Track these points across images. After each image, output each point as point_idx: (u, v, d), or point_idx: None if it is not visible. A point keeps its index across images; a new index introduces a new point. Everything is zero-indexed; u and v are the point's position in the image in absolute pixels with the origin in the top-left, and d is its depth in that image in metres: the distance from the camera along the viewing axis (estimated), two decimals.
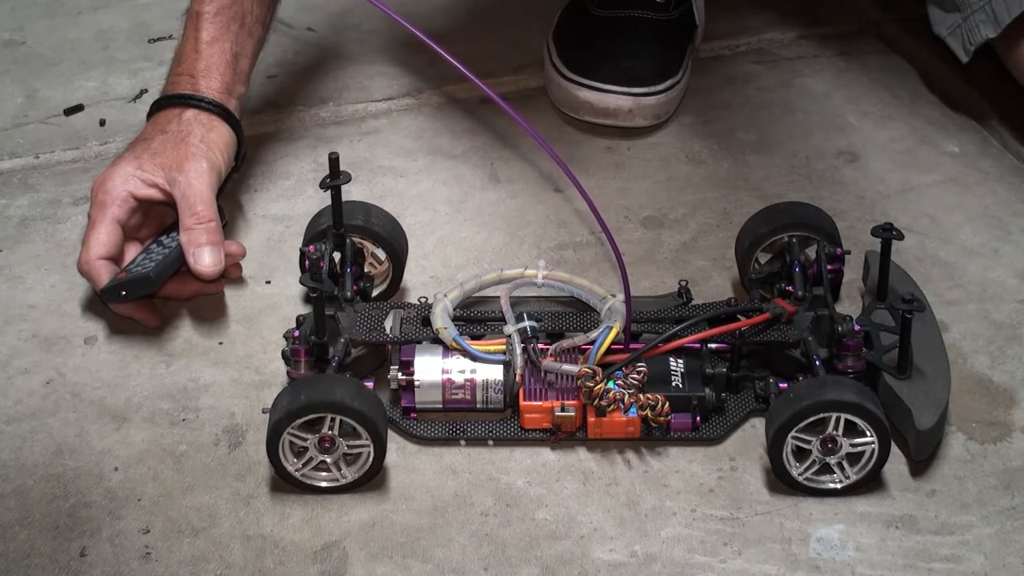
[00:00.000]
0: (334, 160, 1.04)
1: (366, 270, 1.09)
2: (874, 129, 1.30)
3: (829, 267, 1.05)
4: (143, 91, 1.35)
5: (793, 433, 0.94)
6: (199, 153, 1.09)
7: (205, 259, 1.06)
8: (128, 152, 1.11)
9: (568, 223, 1.19)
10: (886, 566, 0.92)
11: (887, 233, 1.01)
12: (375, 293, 1.09)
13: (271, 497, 0.96)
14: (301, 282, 1.01)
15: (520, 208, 1.21)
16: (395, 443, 1.00)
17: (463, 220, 1.20)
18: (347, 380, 0.96)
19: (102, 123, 1.31)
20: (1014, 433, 1.01)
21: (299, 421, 0.93)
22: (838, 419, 0.94)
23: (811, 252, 1.07)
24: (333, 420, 0.94)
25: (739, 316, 1.03)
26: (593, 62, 1.27)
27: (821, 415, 0.93)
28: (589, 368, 0.97)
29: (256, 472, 0.98)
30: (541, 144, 0.94)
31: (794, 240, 1.07)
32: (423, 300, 1.05)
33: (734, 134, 1.29)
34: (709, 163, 1.26)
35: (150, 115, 1.14)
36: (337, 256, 1.07)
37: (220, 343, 1.08)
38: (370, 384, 0.98)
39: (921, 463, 0.98)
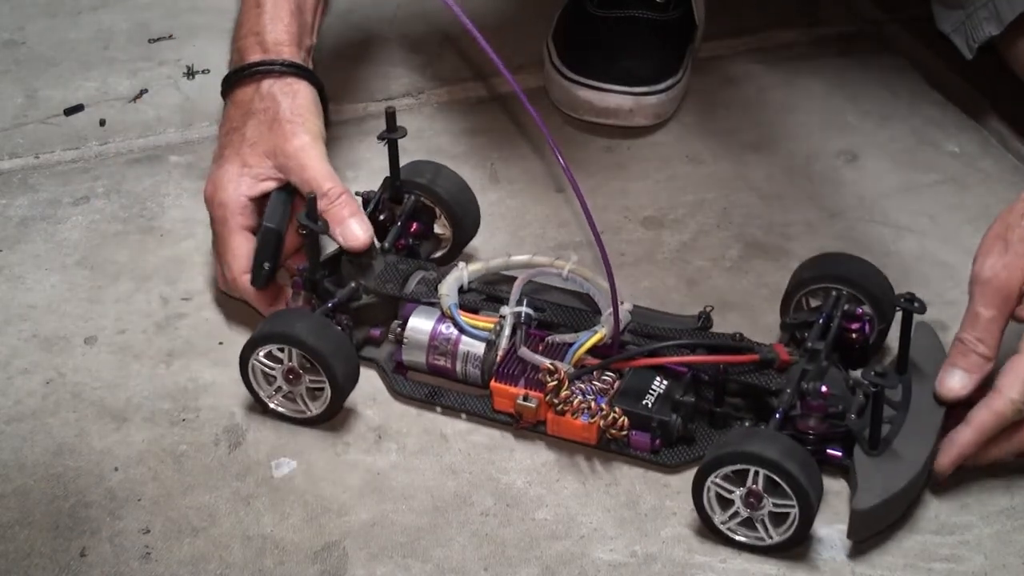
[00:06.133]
0: (391, 114, 1.08)
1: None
2: (874, 129, 1.30)
3: (850, 325, 1.00)
4: (143, 91, 1.35)
5: (713, 479, 0.91)
6: (297, 127, 1.05)
7: (354, 233, 1.03)
8: (226, 149, 1.06)
9: (568, 223, 1.19)
10: (886, 566, 0.92)
11: (908, 304, 0.96)
12: (437, 255, 1.11)
13: (271, 497, 0.96)
14: (297, 217, 1.02)
15: (520, 208, 1.21)
16: (395, 443, 1.00)
17: None
18: (313, 316, 0.99)
19: (102, 123, 1.31)
20: None
21: (262, 350, 0.98)
22: (757, 473, 0.90)
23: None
24: (291, 352, 0.97)
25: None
26: (593, 62, 1.27)
27: (739, 466, 0.90)
28: (552, 365, 0.97)
29: (256, 472, 0.98)
30: (551, 147, 0.94)
31: (836, 294, 1.01)
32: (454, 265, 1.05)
33: (734, 134, 1.29)
34: (709, 163, 1.26)
35: (225, 91, 1.09)
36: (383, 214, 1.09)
37: (220, 343, 1.08)
38: (376, 332, 1.02)
39: None
